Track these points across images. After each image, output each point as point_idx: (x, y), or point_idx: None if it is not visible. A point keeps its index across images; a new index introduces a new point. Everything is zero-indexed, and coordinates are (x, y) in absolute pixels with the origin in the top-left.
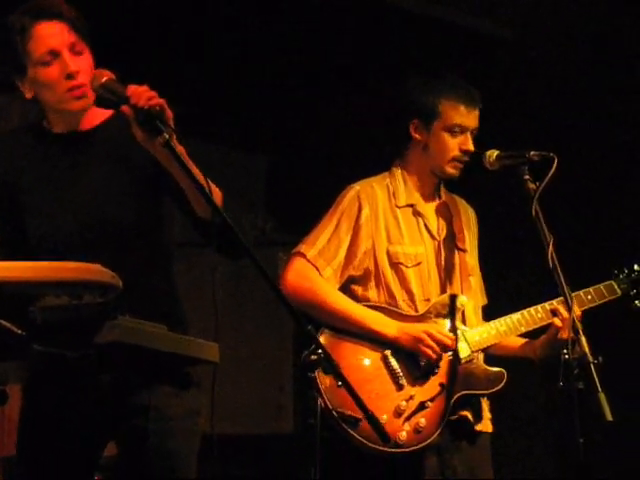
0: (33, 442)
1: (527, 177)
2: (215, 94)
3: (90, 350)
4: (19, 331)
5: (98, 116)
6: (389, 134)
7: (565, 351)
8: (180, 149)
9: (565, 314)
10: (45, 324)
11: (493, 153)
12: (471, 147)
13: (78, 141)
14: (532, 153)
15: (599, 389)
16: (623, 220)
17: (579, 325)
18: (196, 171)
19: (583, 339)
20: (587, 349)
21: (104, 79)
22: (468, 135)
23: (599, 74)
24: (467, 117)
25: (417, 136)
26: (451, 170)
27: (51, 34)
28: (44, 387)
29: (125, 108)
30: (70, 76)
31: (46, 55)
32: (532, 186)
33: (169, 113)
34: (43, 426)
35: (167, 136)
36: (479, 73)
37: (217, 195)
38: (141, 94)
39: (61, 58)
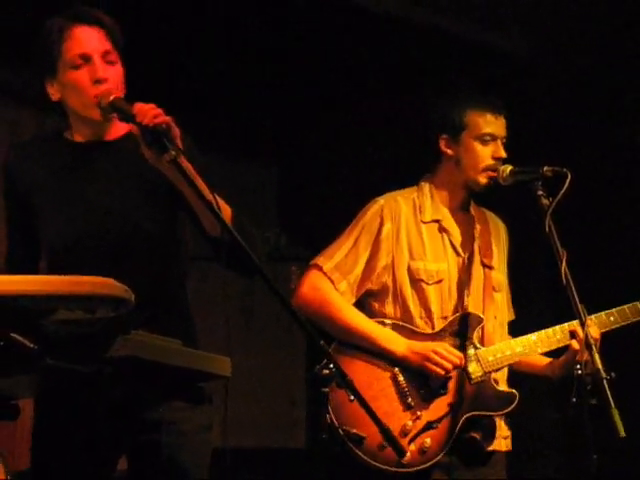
0: (46, 457)
1: (540, 193)
2: (226, 107)
3: (103, 365)
4: (32, 345)
5: (121, 128)
6: (416, 151)
7: (578, 367)
8: (187, 166)
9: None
10: (58, 338)
11: (507, 168)
12: (503, 154)
13: (99, 151)
14: (545, 169)
15: (612, 405)
16: None
17: (592, 341)
18: (204, 188)
19: (596, 355)
20: (600, 365)
21: (111, 97)
22: (499, 143)
23: (616, 89)
24: (495, 124)
25: (449, 152)
26: (484, 180)
27: (86, 38)
28: (56, 401)
29: (132, 127)
30: (98, 82)
31: (78, 58)
32: (546, 202)
33: (176, 131)
34: (56, 441)
35: (174, 154)
36: (493, 88)
37: (226, 212)
38: (147, 112)
39: (92, 63)
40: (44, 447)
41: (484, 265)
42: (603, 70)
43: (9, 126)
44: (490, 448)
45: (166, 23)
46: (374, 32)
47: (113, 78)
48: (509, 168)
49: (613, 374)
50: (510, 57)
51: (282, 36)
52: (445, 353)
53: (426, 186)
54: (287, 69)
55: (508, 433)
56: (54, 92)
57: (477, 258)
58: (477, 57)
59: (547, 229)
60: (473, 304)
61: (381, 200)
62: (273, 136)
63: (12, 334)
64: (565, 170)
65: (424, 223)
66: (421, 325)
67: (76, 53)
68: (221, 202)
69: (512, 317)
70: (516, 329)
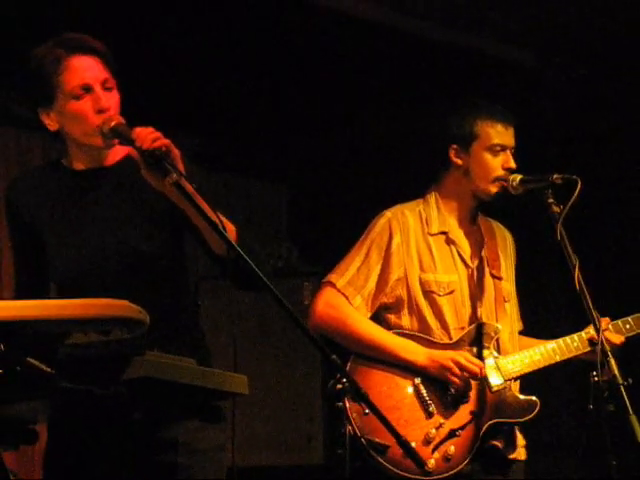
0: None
1: (551, 200)
2: (235, 125)
3: (119, 386)
4: (48, 369)
5: (119, 152)
6: (423, 161)
7: (594, 373)
8: (189, 188)
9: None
10: (73, 361)
11: (516, 177)
12: (513, 165)
13: (98, 177)
14: (555, 176)
15: (630, 411)
16: None
17: (607, 347)
18: (207, 209)
19: (612, 361)
20: (616, 371)
21: (113, 123)
22: (509, 153)
23: (625, 94)
24: (505, 135)
25: (458, 161)
26: (494, 190)
27: (86, 68)
28: (71, 424)
29: (130, 150)
30: (101, 111)
31: (79, 89)
32: (556, 209)
33: (176, 153)
34: (70, 464)
35: (175, 176)
36: (499, 98)
37: (231, 231)
38: (146, 136)
39: (94, 93)
40: (58, 470)
41: (493, 276)
42: (608, 79)
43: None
44: (511, 456)
45: (173, 44)
46: (382, 47)
47: (114, 105)
48: (519, 177)
49: (630, 380)
50: (517, 68)
51: (294, 57)
52: (465, 362)
53: (432, 197)
54: (296, 88)
55: (524, 442)
56: (51, 122)
57: (486, 269)
58: (485, 68)
59: (559, 237)
60: (486, 315)
61: (388, 213)
62: (283, 154)
63: (28, 359)
64: (575, 177)
65: (431, 235)
66: (439, 336)
67: (77, 84)
68: (225, 220)
69: (521, 327)
70: (535, 337)
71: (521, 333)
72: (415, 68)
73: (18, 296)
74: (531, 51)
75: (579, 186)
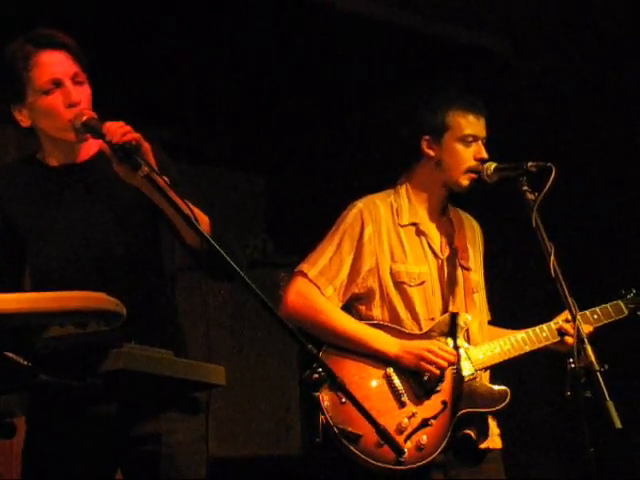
0: (39, 473)
1: (525, 188)
2: (213, 115)
3: (96, 379)
4: (25, 362)
5: (92, 147)
6: (396, 153)
7: (571, 360)
8: (160, 181)
9: (572, 331)
10: (50, 354)
11: (491, 165)
12: (485, 155)
13: (73, 173)
14: (530, 164)
15: (607, 397)
16: (632, 235)
17: (583, 334)
18: (179, 201)
19: (588, 347)
20: (593, 357)
21: (84, 118)
22: (480, 143)
23: (599, 83)
24: (477, 125)
25: (430, 152)
26: (466, 182)
27: (55, 63)
28: (49, 417)
29: (102, 145)
30: (72, 106)
31: (49, 83)
32: (531, 197)
33: (146, 146)
34: (49, 457)
35: (147, 169)
36: (476, 87)
37: (204, 222)
38: (115, 130)
39: (64, 87)
40: (37, 464)
41: (462, 267)
42: (589, 68)
43: None
44: (484, 445)
45: (149, 33)
46: (358, 37)
47: (85, 99)
48: (493, 165)
49: (606, 366)
50: (493, 56)
51: (269, 47)
52: (439, 351)
53: (403, 188)
54: (273, 80)
55: (498, 431)
56: (23, 118)
57: (456, 260)
58: (461, 57)
59: (534, 224)
60: (456, 306)
61: (360, 204)
62: (260, 146)
63: (5, 352)
64: (549, 165)
65: (402, 226)
66: (409, 326)
67: (47, 79)
68: (198, 212)
69: (489, 318)
70: (508, 326)
71: (489, 323)
72: (389, 58)
73: None
74: (505, 39)
75: (553, 173)
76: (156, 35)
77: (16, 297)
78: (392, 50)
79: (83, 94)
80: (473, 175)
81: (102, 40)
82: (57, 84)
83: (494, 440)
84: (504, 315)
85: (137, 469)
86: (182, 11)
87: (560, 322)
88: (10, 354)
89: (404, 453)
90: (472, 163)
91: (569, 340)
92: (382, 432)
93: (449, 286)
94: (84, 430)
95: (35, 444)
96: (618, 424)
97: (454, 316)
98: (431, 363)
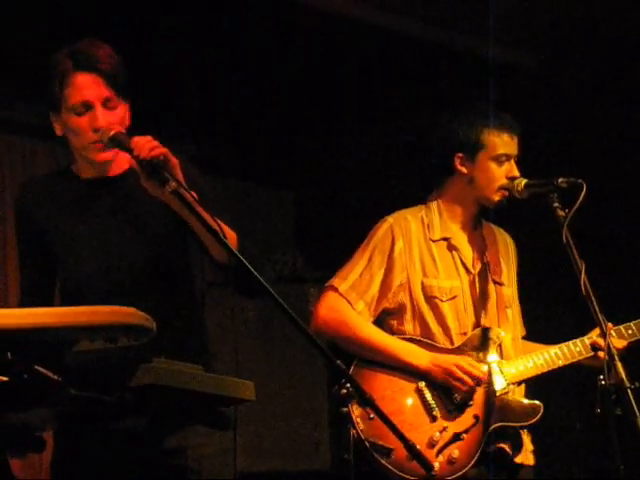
0: None
1: (556, 205)
2: (241, 130)
3: (126, 393)
4: (55, 377)
5: (124, 163)
6: (427, 168)
7: (601, 377)
8: (188, 197)
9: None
10: (80, 369)
11: (521, 182)
12: (517, 174)
13: (107, 186)
14: (560, 180)
15: (637, 414)
16: None
17: (614, 351)
18: (207, 216)
19: (619, 364)
20: (623, 374)
21: (112, 133)
22: (512, 162)
23: (626, 98)
24: (510, 145)
25: (463, 169)
26: (498, 198)
27: (86, 86)
28: (78, 432)
29: (131, 160)
30: (97, 131)
31: (79, 106)
32: (562, 213)
33: (174, 161)
34: (77, 472)
35: (174, 185)
36: (505, 103)
37: (231, 238)
38: (143, 145)
39: (93, 111)
40: (65, 478)
41: (494, 282)
42: (612, 80)
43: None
44: (518, 460)
45: (174, 48)
46: (390, 52)
47: (114, 123)
48: (524, 181)
49: (637, 383)
50: (521, 70)
51: (299, 64)
52: (468, 367)
53: (434, 203)
54: (303, 94)
55: (532, 447)
56: (58, 127)
57: (488, 275)
58: (489, 72)
59: (565, 240)
60: (488, 320)
61: (390, 219)
62: (289, 160)
63: (36, 367)
64: (580, 181)
65: (433, 241)
66: (441, 341)
67: (77, 101)
68: (225, 227)
69: (523, 333)
70: (539, 342)
71: (524, 339)
72: (421, 73)
73: (23, 303)
74: (535, 55)
75: (584, 190)
76: (189, 50)
77: (47, 311)
78: (426, 65)
79: (113, 119)
80: (504, 192)
81: (133, 56)
82: (87, 107)
83: (527, 456)
84: (536, 330)
85: None
86: (212, 23)
87: (594, 337)
88: (40, 368)
89: (433, 468)
90: (504, 181)
91: (602, 355)
92: (410, 447)
93: (481, 301)
94: (112, 444)
95: (64, 458)
96: None
97: (486, 331)
98: (458, 379)
